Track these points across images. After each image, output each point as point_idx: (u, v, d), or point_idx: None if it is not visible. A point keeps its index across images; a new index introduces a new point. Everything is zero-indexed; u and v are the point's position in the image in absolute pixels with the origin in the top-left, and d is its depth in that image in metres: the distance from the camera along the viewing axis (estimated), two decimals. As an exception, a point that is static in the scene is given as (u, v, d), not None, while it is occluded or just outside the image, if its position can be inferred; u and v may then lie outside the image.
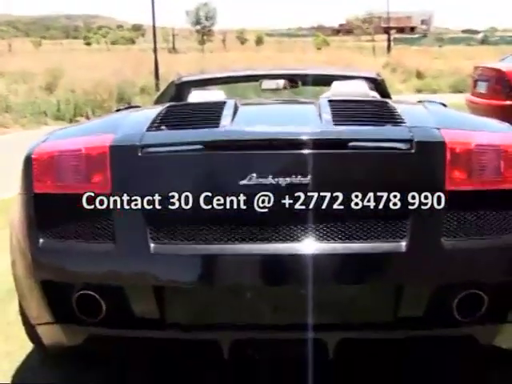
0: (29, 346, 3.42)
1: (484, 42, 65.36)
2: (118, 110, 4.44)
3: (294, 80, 5.04)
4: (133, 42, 78.23)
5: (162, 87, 18.99)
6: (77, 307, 2.64)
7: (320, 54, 37.72)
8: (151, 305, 2.58)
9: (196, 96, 4.15)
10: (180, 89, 4.92)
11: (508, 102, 10.56)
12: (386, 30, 47.80)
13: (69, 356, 3.24)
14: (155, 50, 22.54)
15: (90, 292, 2.61)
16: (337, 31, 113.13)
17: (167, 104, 3.48)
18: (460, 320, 2.56)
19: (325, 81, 4.81)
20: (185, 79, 5.08)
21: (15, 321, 3.73)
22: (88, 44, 76.19)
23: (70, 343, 2.79)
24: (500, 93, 10.74)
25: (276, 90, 5.06)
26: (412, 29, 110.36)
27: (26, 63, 25.18)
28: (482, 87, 11.34)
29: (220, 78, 5.25)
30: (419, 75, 27.66)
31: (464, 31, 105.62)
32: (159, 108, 3.17)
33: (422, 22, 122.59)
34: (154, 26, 23.88)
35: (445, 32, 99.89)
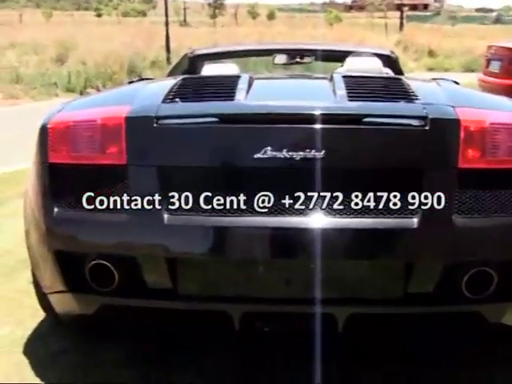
0: (40, 315, 3.47)
1: (498, 21, 64.79)
2: (130, 82, 4.50)
3: (306, 55, 5.07)
4: (144, 14, 77.79)
5: (173, 60, 18.97)
6: (90, 277, 2.67)
7: (332, 31, 37.49)
8: (164, 275, 2.62)
9: (209, 69, 4.14)
10: (193, 62, 4.95)
11: (521, 82, 10.51)
12: (399, 7, 47.39)
13: (80, 324, 3.30)
14: (167, 24, 22.44)
15: (103, 262, 2.63)
16: (349, 7, 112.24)
17: (181, 76, 3.49)
18: (469, 297, 2.59)
19: (338, 57, 4.81)
20: (198, 52, 5.10)
21: (26, 290, 3.79)
22: (99, 16, 75.84)
23: (82, 312, 2.82)
24: (513, 72, 10.68)
25: (288, 65, 5.12)
26: (425, 6, 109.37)
27: (37, 34, 25.13)
28: (495, 66, 11.27)
29: (233, 52, 5.24)
30: (431, 54, 27.53)
31: (478, 10, 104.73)
32: (174, 80, 3.19)
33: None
34: (166, 1, 23.76)
35: (458, 10, 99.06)
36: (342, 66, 4.39)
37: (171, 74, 4.99)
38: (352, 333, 2.78)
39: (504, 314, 2.70)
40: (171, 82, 3.15)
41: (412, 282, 2.57)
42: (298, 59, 5.04)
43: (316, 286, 2.55)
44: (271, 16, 65.18)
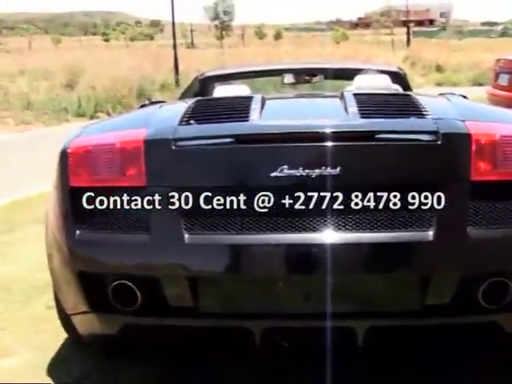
0: (60, 339, 3.49)
1: (504, 34, 64.81)
2: (142, 106, 4.61)
3: (315, 74, 5.08)
4: (151, 38, 78.25)
5: (182, 83, 19.08)
6: (112, 297, 2.70)
7: (339, 48, 37.62)
8: (185, 294, 2.64)
9: (221, 91, 4.17)
10: (204, 84, 5.00)
11: (530, 95, 10.50)
12: (405, 23, 47.54)
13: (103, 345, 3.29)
14: (175, 46, 22.57)
15: (125, 282, 2.67)
16: (355, 25, 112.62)
17: (195, 99, 3.55)
18: (486, 307, 2.62)
19: (346, 75, 4.88)
20: (208, 74, 5.17)
21: (43, 316, 3.81)
22: (106, 40, 76.41)
23: (104, 332, 2.85)
24: (522, 85, 10.69)
25: (297, 85, 5.17)
26: (431, 22, 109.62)
27: (47, 60, 25.34)
28: (504, 80, 11.27)
29: (242, 73, 5.31)
30: (439, 69, 27.57)
31: (483, 23, 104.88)
32: (188, 103, 3.25)
33: (441, 14, 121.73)
34: (173, 22, 23.91)
35: (464, 24, 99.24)
36: (350, 84, 4.43)
37: (183, 96, 5.04)
38: (371, 346, 2.79)
39: None
40: (185, 104, 3.20)
41: (429, 294, 2.60)
42: (306, 78, 5.07)
43: (334, 300, 2.59)
44: (278, 36, 65.45)
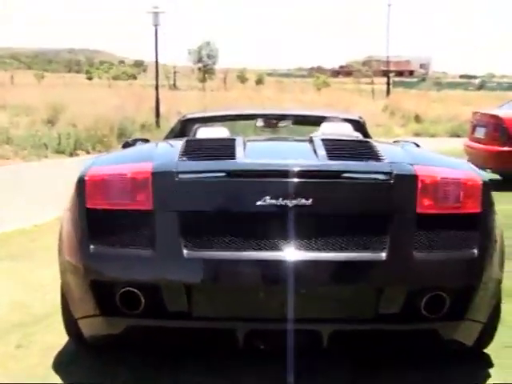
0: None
1: (481, 87, 65.91)
2: (126, 143, 5.36)
3: (286, 120, 5.77)
4: (134, 77, 78.49)
5: (163, 124, 19.12)
6: (120, 302, 3.23)
7: (320, 96, 38.02)
8: (181, 300, 3.20)
9: (204, 132, 4.70)
10: (185, 125, 5.66)
11: (505, 148, 10.68)
12: (385, 73, 48.17)
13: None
14: (157, 88, 22.70)
15: (132, 289, 3.20)
16: (336, 73, 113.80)
17: (184, 139, 4.17)
18: (427, 317, 3.22)
19: (314, 121, 5.51)
20: (189, 116, 5.85)
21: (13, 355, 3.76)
22: (90, 78, 76.52)
23: (110, 332, 3.38)
24: (498, 139, 10.87)
25: (270, 128, 5.77)
26: (411, 72, 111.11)
27: (28, 96, 25.35)
28: (481, 133, 11.46)
29: (220, 117, 5.85)
30: (418, 119, 27.87)
31: (462, 76, 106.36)
32: (179, 142, 3.91)
33: (421, 66, 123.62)
34: (156, 63, 24.09)
35: (443, 76, 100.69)
36: (317, 130, 4.97)
37: (168, 136, 5.59)
38: (334, 346, 3.33)
39: (456, 331, 3.35)
40: (179, 142, 3.86)
41: (381, 305, 3.20)
42: (276, 123, 5.73)
43: (304, 307, 3.20)
44: (260, 81, 65.93)
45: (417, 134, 24.61)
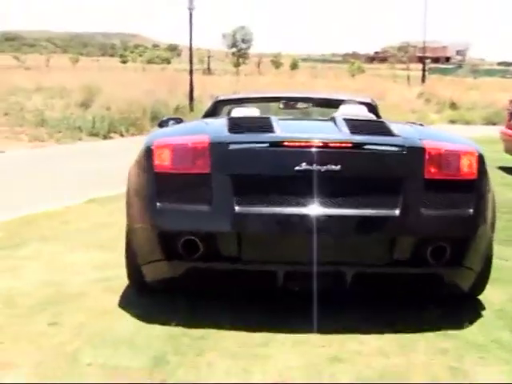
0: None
1: (519, 74, 64.87)
2: (161, 122, 6.11)
3: (308, 102, 6.49)
4: (168, 61, 78.65)
5: (196, 108, 19.10)
6: (181, 249, 3.93)
7: (354, 81, 37.76)
8: (232, 246, 3.93)
9: (238, 112, 5.33)
10: (218, 105, 6.51)
11: (542, 136, 10.52)
12: (421, 60, 47.71)
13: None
14: (191, 72, 22.71)
15: (192, 237, 3.91)
16: (371, 59, 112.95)
17: (226, 117, 5.05)
18: (432, 263, 3.94)
19: (333, 104, 6.17)
20: (222, 98, 6.75)
21: (45, 332, 3.80)
22: (124, 62, 76.85)
23: (171, 275, 4.10)
24: (534, 126, 10.71)
25: (291, 109, 6.46)
26: (447, 59, 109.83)
27: (63, 79, 25.53)
28: (517, 120, 11.29)
29: (250, 98, 6.60)
30: (453, 106, 27.58)
31: (500, 63, 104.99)
32: (223, 119, 4.75)
33: (458, 52, 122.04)
34: (190, 47, 24.08)
35: (480, 63, 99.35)
36: (335, 111, 5.50)
37: (206, 115, 6.32)
38: (356, 286, 4.06)
39: (455, 276, 4.13)
40: (222, 120, 4.69)
41: (395, 252, 3.93)
42: (295, 104, 6.40)
43: (332, 253, 3.96)
44: (294, 66, 65.69)
45: (452, 121, 24.40)
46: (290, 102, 6.37)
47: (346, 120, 4.44)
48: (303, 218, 3.88)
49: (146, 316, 4.18)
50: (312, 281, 3.91)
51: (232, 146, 3.99)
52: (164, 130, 5.21)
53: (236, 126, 4.29)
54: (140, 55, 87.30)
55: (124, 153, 7.12)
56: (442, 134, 4.75)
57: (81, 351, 3.67)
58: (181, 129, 5.03)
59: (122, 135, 16.91)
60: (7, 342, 3.81)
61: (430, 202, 3.96)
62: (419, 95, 30.72)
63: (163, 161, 4.02)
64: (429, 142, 4.08)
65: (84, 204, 7.79)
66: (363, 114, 5.45)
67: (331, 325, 4.05)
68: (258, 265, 4.01)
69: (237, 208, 3.90)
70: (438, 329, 4.08)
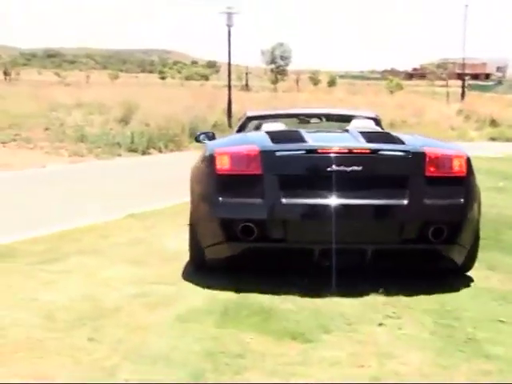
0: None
1: (561, 91, 63.98)
2: (196, 136, 7.53)
3: (325, 117, 7.71)
4: (206, 78, 79.05)
5: (234, 124, 19.23)
6: (240, 233, 5.05)
7: (392, 98, 37.58)
8: (280, 230, 5.06)
9: (267, 126, 6.49)
10: (247, 120, 7.70)
11: None
12: (460, 76, 47.34)
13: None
14: (229, 88, 22.83)
15: (248, 224, 5.03)
16: (410, 75, 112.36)
17: (263, 130, 6.15)
18: (433, 241, 5.07)
19: (346, 119, 7.33)
20: (250, 114, 7.90)
21: (84, 347, 3.81)
22: (163, 78, 77.45)
23: (231, 254, 5.16)
24: None
25: (306, 123, 7.53)
26: (487, 76, 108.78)
27: (103, 95, 25.82)
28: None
29: (275, 115, 7.88)
30: (493, 123, 27.28)
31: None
32: (261, 133, 5.88)
33: (498, 68, 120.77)
34: (229, 65, 24.20)
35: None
36: (347, 125, 6.63)
37: (240, 129, 7.58)
38: (375, 261, 5.15)
39: (451, 252, 5.23)
40: (261, 133, 5.91)
41: (404, 233, 5.06)
42: (312, 120, 7.60)
43: (357, 234, 5.09)
44: (332, 83, 65.60)
45: (492, 138, 24.13)
46: (305, 118, 7.67)
47: (361, 132, 5.67)
48: (333, 207, 5.02)
49: (182, 333, 4.19)
50: (340, 257, 5.02)
51: (278, 153, 5.15)
52: (218, 141, 6.46)
53: (276, 137, 5.49)
54: (179, 71, 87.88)
55: (165, 167, 7.29)
56: (437, 142, 5.88)
57: (118, 367, 3.68)
58: (231, 140, 6.12)
59: (160, 151, 17.02)
60: (46, 355, 3.84)
61: (430, 194, 5.13)
62: (458, 112, 30.46)
63: (223, 165, 5.16)
64: (428, 148, 5.29)
65: (123, 219, 7.83)
66: (371, 126, 6.75)
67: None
68: (299, 244, 5.13)
69: (283, 200, 5.06)
70: (480, 350, 4.03)
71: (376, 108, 17.57)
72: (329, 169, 5.03)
